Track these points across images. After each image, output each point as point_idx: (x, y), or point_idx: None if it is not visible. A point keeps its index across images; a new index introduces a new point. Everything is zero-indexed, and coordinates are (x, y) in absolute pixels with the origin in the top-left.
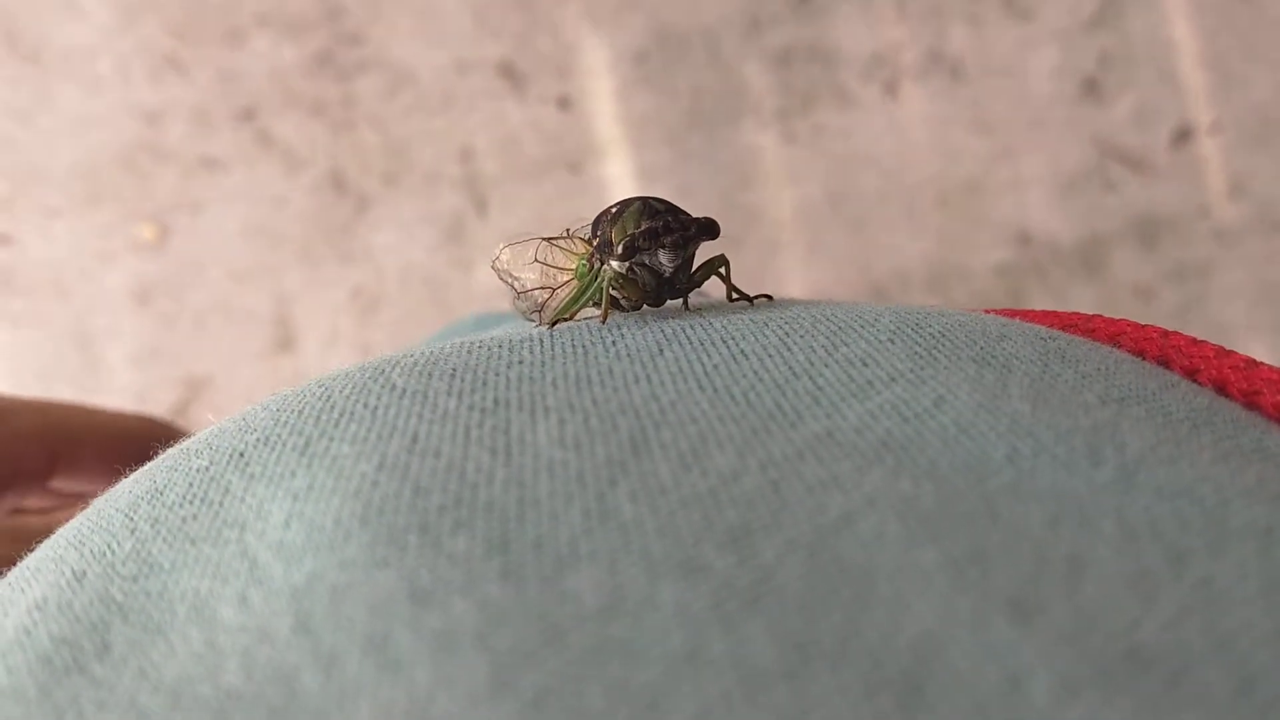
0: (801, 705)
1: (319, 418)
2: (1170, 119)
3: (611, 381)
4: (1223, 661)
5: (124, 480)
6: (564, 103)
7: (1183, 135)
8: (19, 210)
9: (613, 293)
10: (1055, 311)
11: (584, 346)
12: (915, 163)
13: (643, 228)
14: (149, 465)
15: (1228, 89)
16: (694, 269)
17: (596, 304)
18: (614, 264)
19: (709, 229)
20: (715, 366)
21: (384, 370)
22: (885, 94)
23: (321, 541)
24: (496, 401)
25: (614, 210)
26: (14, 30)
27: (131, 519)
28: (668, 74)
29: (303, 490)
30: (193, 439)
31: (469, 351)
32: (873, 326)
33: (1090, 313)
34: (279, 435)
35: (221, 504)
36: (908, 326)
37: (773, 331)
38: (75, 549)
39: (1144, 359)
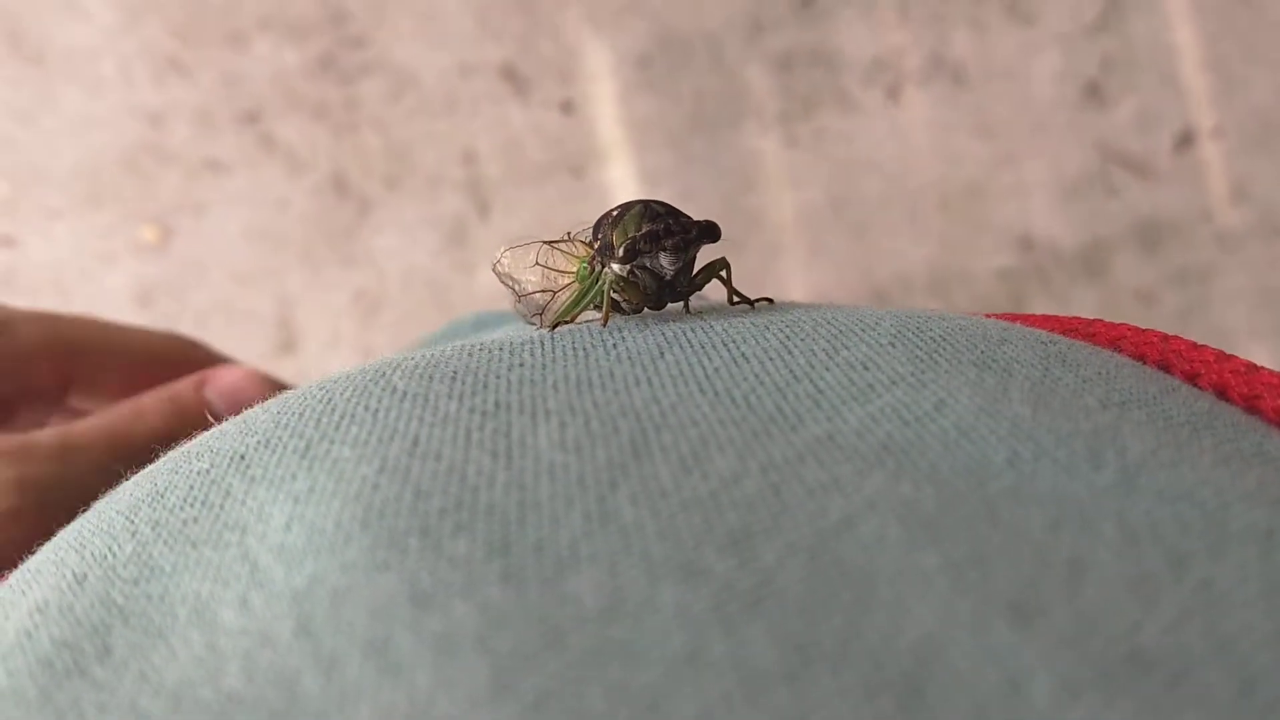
0: (802, 707)
1: (320, 420)
2: (1172, 123)
3: (612, 384)
4: (1223, 664)
5: (125, 483)
6: (566, 106)
7: (1185, 139)
8: (21, 211)
9: (614, 296)
10: (1056, 316)
11: (585, 349)
12: (917, 167)
13: (644, 230)
14: (150, 468)
15: (1229, 93)
16: (695, 272)
17: (597, 307)
18: (615, 267)
19: (710, 232)
20: (716, 369)
21: (385, 373)
22: (887, 98)
23: (322, 544)
24: (497, 404)
25: (615, 213)
26: (17, 31)
27: (132, 521)
28: (670, 78)
29: (303, 493)
30: (193, 441)
31: (470, 354)
32: (873, 330)
33: (1091, 317)
34: (280, 438)
35: (222, 507)
36: (908, 330)
37: (774, 335)
38: (76, 551)
39: (1145, 363)
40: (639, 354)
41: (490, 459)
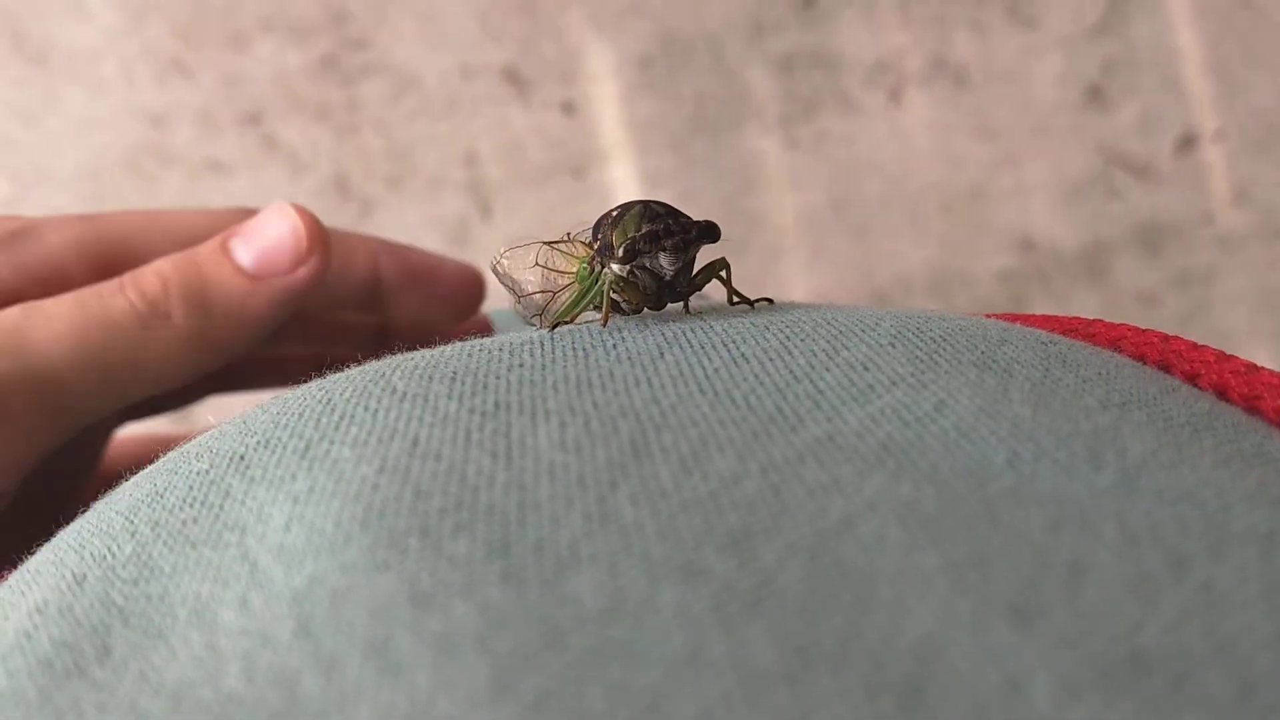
0: (802, 708)
1: (319, 421)
2: (1174, 126)
3: (612, 385)
4: (1224, 665)
5: (124, 483)
6: (568, 108)
7: (1187, 142)
8: (23, 212)
9: (613, 296)
10: (1056, 316)
11: (584, 349)
12: (918, 169)
13: (643, 231)
14: (149, 468)
15: (1231, 96)
16: (695, 272)
17: (597, 307)
18: (615, 267)
19: (709, 232)
20: (716, 370)
21: (384, 373)
22: (889, 100)
23: (322, 545)
24: (497, 405)
25: (614, 214)
26: (19, 32)
27: (131, 522)
28: (672, 79)
29: (303, 493)
30: (192, 442)
31: (469, 355)
32: (873, 330)
33: (1091, 318)
34: (279, 438)
35: (222, 507)
36: (908, 331)
37: (773, 335)
38: (75, 552)
39: (1145, 364)
40: (639, 354)
41: (490, 459)
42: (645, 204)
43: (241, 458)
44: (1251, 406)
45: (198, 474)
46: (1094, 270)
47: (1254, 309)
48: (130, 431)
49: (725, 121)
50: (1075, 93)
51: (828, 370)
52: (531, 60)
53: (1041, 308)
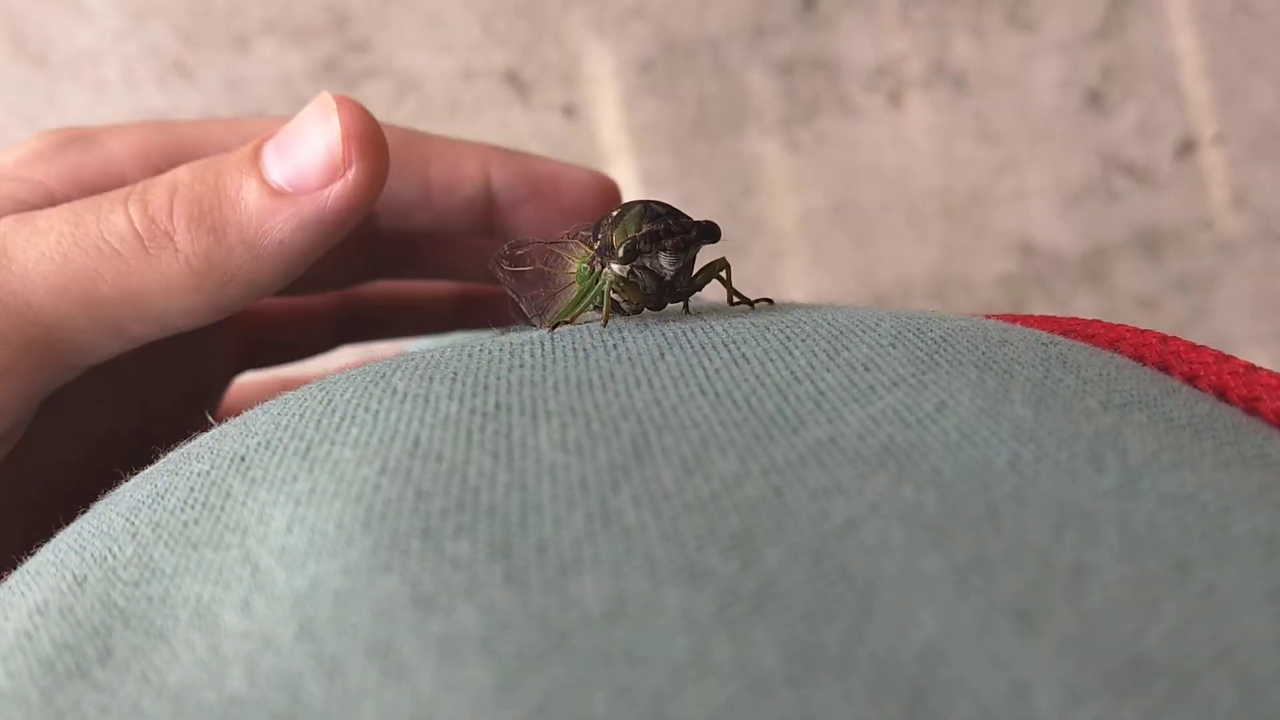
0: (806, 712)
1: (320, 421)
2: (1174, 131)
3: (613, 385)
4: (1227, 669)
5: (124, 484)
6: (569, 111)
7: (1186, 147)
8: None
9: (614, 296)
10: (1054, 316)
11: (585, 350)
12: (918, 173)
13: (644, 231)
14: (149, 469)
15: (1231, 101)
16: (695, 273)
17: (597, 307)
18: (615, 267)
19: (709, 232)
20: (717, 371)
21: (385, 374)
22: (889, 104)
23: (324, 546)
24: (498, 405)
25: (615, 214)
26: (21, 33)
27: (132, 523)
28: (672, 82)
29: (304, 495)
30: (193, 442)
31: (470, 355)
32: (874, 331)
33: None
34: (280, 439)
35: (223, 508)
36: (909, 331)
37: (774, 335)
38: (76, 553)
39: (1143, 364)
40: (639, 355)
41: (491, 460)
42: (645, 204)
43: (242, 459)
44: (1251, 408)
45: (199, 475)
46: (1094, 274)
47: (1253, 314)
48: (253, 378)
49: (726, 124)
50: (1075, 97)
51: (829, 371)
52: (532, 63)
53: (1041, 311)
